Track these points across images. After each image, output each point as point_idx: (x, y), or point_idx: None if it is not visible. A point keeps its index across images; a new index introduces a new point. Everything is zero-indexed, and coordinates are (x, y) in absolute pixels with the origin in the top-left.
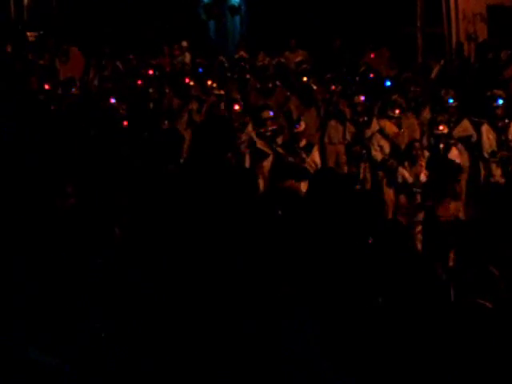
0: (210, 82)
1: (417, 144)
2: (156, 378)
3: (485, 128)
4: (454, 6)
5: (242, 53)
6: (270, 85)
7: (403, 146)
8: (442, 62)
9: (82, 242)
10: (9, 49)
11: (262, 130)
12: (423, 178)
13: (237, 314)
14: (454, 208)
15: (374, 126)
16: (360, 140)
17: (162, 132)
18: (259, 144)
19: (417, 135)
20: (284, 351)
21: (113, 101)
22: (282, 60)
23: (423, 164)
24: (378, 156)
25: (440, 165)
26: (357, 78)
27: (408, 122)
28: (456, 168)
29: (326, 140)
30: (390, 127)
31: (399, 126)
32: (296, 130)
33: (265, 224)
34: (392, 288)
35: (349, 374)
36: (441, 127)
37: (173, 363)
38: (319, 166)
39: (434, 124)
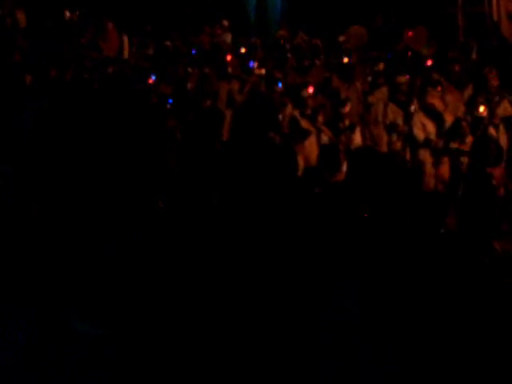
0: (251, 62)
1: (463, 123)
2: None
3: None
4: None
5: (282, 32)
6: (307, 63)
7: (448, 124)
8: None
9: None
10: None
11: (302, 109)
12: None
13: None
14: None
15: (416, 104)
16: (402, 119)
17: (204, 111)
18: (303, 123)
19: (461, 113)
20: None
21: (153, 79)
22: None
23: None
24: (421, 135)
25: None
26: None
27: (452, 100)
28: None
29: (368, 119)
30: (433, 105)
31: (442, 104)
32: (341, 111)
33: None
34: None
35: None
36: (480, 108)
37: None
38: (360, 145)
39: (474, 104)
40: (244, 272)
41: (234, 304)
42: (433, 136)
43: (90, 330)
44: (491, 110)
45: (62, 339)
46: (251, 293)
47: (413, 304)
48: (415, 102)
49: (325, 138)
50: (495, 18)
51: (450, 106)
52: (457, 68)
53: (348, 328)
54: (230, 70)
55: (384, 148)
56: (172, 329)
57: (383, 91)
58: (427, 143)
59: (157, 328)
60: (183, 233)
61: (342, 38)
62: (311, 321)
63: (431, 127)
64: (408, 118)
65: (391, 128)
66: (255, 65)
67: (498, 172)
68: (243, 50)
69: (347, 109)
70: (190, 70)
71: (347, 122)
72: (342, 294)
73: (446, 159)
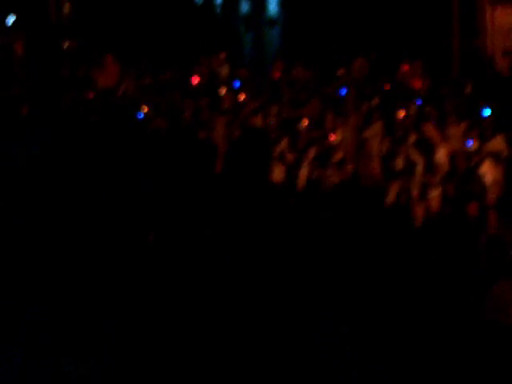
0: (246, 95)
1: (456, 157)
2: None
3: None
4: (489, 20)
5: (278, 65)
6: (304, 96)
7: (440, 159)
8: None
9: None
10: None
11: (295, 143)
12: None
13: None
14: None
15: (410, 139)
16: (395, 154)
17: (198, 143)
18: (292, 157)
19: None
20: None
21: (148, 111)
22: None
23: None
24: (414, 169)
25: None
26: (391, 91)
27: (445, 135)
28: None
29: (362, 153)
30: (426, 140)
31: (435, 139)
32: (330, 140)
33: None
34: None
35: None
36: (472, 142)
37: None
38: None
39: (466, 138)
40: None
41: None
42: (423, 170)
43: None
44: (482, 144)
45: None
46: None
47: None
48: (409, 136)
49: (315, 173)
50: (490, 52)
51: (444, 141)
52: (450, 103)
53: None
54: (225, 103)
55: (376, 181)
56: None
57: (378, 126)
58: (418, 177)
59: None
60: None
61: (340, 72)
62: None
63: (423, 161)
64: (401, 152)
65: (384, 162)
66: (251, 98)
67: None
68: (239, 83)
69: (340, 143)
70: (185, 102)
71: (339, 156)
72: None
73: (436, 194)
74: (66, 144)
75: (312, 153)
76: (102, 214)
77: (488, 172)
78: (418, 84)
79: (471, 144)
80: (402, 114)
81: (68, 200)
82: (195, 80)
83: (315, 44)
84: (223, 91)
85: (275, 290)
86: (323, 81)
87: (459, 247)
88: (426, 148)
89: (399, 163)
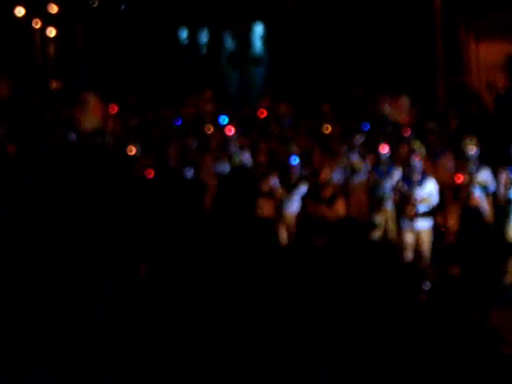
0: (233, 132)
1: (446, 192)
2: None
3: (503, 177)
4: (474, 56)
5: (265, 103)
6: (291, 133)
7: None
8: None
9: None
10: (35, 100)
11: (285, 179)
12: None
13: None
14: None
15: (396, 173)
16: (382, 188)
17: (186, 181)
18: (282, 194)
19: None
20: None
21: (136, 151)
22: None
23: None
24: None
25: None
26: (377, 128)
27: (431, 169)
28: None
29: (350, 189)
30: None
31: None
32: (319, 180)
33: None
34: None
35: None
36: (460, 176)
37: None
38: (342, 216)
39: (454, 173)
40: None
41: None
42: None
43: None
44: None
45: None
46: None
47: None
48: (396, 171)
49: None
50: (475, 87)
51: (430, 175)
52: (435, 137)
53: None
54: (212, 141)
55: (366, 217)
56: None
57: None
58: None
59: None
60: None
61: (325, 108)
62: None
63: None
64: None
65: (371, 197)
66: (238, 135)
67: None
68: (226, 121)
69: (323, 177)
70: (172, 141)
71: (329, 192)
72: None
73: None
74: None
75: (303, 189)
76: (89, 258)
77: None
78: (404, 119)
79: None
80: (385, 148)
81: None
82: (179, 120)
83: (300, 81)
84: (210, 129)
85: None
86: (309, 117)
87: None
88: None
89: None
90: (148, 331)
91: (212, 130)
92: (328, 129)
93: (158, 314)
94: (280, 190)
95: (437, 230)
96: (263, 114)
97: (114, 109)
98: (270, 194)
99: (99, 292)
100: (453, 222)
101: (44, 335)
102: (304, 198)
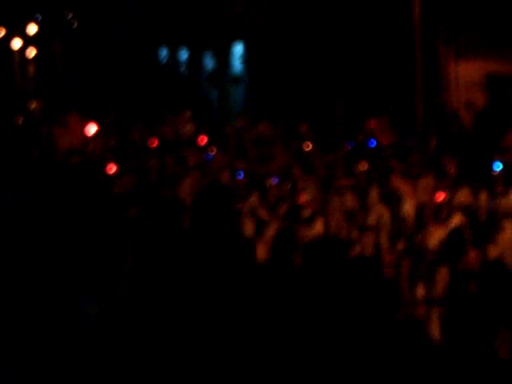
0: (212, 151)
1: (426, 210)
2: None
3: (483, 196)
4: (453, 75)
5: (242, 122)
6: (270, 152)
7: (407, 212)
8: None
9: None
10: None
11: (265, 199)
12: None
13: None
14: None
15: (374, 193)
16: (361, 208)
17: (165, 200)
18: (262, 213)
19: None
20: None
21: (115, 169)
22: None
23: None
24: (378, 223)
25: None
26: (357, 146)
27: (411, 188)
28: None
29: (329, 208)
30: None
31: (402, 192)
32: (298, 201)
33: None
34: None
35: None
36: (441, 195)
37: None
38: (321, 235)
39: (434, 192)
40: None
41: None
42: (390, 224)
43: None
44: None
45: None
46: None
47: None
48: (374, 190)
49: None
50: (454, 106)
51: (410, 194)
52: (415, 157)
53: None
54: (191, 160)
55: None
56: None
57: (344, 180)
58: (385, 231)
59: None
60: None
61: (303, 128)
62: None
63: (389, 215)
64: (367, 206)
65: (350, 217)
66: (217, 154)
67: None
68: (205, 141)
69: (307, 199)
70: (151, 160)
71: (307, 212)
72: None
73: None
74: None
75: (283, 209)
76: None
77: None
78: (384, 138)
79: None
80: (364, 166)
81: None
82: (155, 141)
83: (279, 100)
84: (189, 149)
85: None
86: (288, 137)
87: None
88: (393, 201)
89: (366, 217)
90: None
91: (191, 150)
92: (309, 146)
93: (135, 332)
94: (260, 210)
95: (415, 250)
96: (241, 133)
97: (93, 128)
98: (251, 214)
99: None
100: (433, 241)
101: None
102: (284, 218)
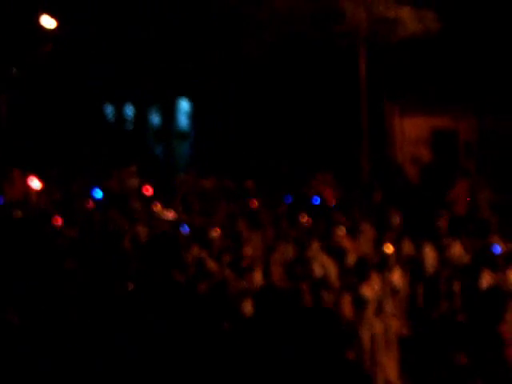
0: (156, 205)
1: (367, 261)
2: None
3: (427, 248)
4: (399, 131)
5: (186, 177)
6: (213, 205)
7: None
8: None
9: None
10: None
11: (209, 250)
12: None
13: None
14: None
15: (315, 245)
16: (302, 259)
17: (110, 253)
18: (209, 264)
19: (363, 253)
20: None
21: (60, 222)
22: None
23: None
24: (321, 275)
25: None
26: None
27: (354, 240)
28: None
29: (271, 260)
30: (336, 246)
31: (345, 244)
32: (242, 253)
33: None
34: None
35: None
36: (386, 247)
37: None
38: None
39: (379, 244)
40: None
41: None
42: (334, 275)
43: None
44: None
45: None
46: None
47: None
48: (316, 242)
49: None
50: (399, 161)
51: (353, 246)
52: (359, 209)
53: None
54: (136, 214)
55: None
56: None
57: (286, 234)
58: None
59: None
60: None
61: (249, 184)
62: None
63: (333, 267)
64: (309, 258)
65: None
66: (161, 208)
67: None
68: (150, 194)
69: (249, 251)
70: (95, 213)
71: (247, 263)
72: None
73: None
74: None
75: (226, 259)
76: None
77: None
78: (328, 193)
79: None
80: (304, 218)
81: None
82: (99, 194)
83: (225, 156)
84: (134, 202)
85: None
86: (233, 192)
87: None
88: (338, 253)
89: (309, 268)
90: None
91: (135, 202)
92: (254, 203)
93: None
94: (209, 261)
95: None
96: (185, 187)
97: (36, 182)
98: (197, 264)
99: None
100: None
101: None
102: (227, 268)
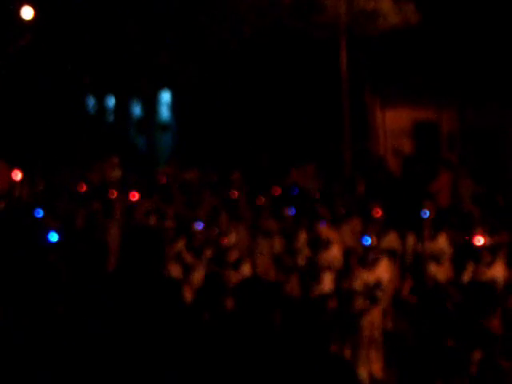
0: (138, 196)
1: (352, 254)
2: None
3: (410, 240)
4: (380, 123)
5: (167, 169)
6: (197, 198)
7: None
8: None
9: None
10: None
11: (191, 243)
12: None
13: None
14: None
15: (302, 237)
16: (288, 251)
17: (91, 243)
18: (187, 257)
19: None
20: None
21: (42, 215)
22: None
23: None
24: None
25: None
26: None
27: (338, 232)
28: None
29: (256, 252)
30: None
31: (329, 236)
32: (224, 244)
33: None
34: None
35: None
36: (370, 239)
37: None
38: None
39: (362, 236)
40: None
41: None
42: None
43: None
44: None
45: None
46: None
47: None
48: (302, 234)
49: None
50: (381, 153)
51: (337, 238)
52: (342, 201)
53: None
54: (117, 206)
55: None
56: None
57: (271, 224)
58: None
59: None
60: None
61: (234, 176)
62: None
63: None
64: (294, 250)
65: (277, 260)
66: (143, 199)
67: None
68: (132, 187)
69: (228, 241)
70: (77, 206)
71: (234, 256)
72: None
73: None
74: None
75: (208, 253)
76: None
77: (385, 271)
78: (311, 184)
79: (368, 241)
80: (290, 211)
81: None
82: (83, 186)
83: (207, 147)
84: (115, 194)
85: None
86: (217, 183)
87: None
88: (320, 245)
89: (294, 261)
90: None
91: (117, 195)
92: (235, 194)
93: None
94: (186, 254)
95: (341, 294)
96: (164, 179)
97: (19, 174)
98: (177, 258)
99: None
100: (358, 286)
101: None
102: (210, 262)
